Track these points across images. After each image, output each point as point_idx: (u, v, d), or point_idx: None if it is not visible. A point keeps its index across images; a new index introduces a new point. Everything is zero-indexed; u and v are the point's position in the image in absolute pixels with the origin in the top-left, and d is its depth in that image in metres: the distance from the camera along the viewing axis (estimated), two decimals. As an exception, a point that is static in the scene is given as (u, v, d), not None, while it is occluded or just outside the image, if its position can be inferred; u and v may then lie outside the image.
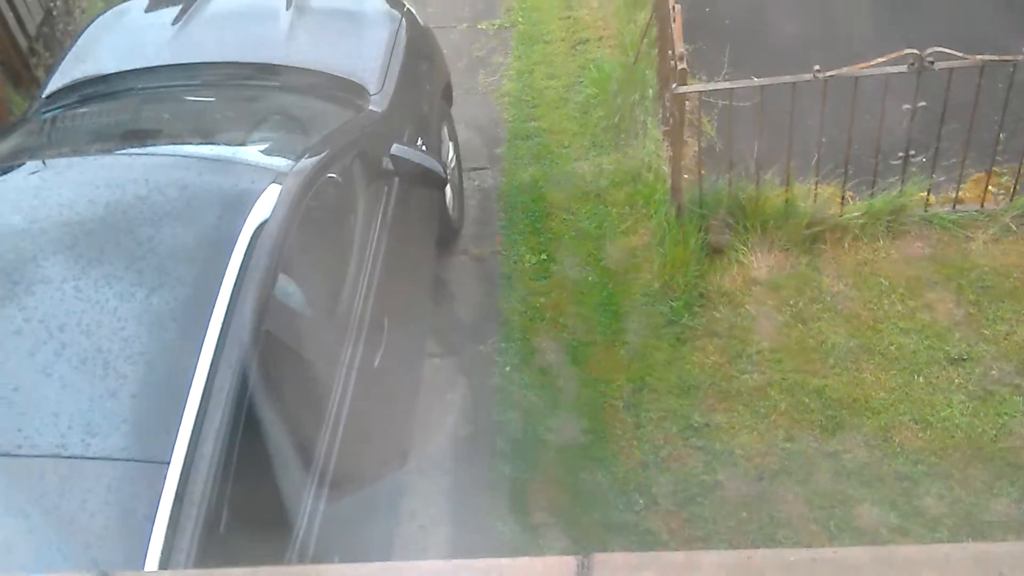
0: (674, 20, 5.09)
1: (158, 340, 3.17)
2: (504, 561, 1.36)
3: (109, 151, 4.15)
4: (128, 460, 2.94)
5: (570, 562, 1.33)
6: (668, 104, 5.38)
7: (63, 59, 5.07)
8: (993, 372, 4.69)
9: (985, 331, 4.86)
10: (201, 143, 4.31)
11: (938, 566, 1.32)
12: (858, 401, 4.62)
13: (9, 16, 6.22)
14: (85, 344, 3.11)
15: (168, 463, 2.90)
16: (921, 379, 4.69)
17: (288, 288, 3.56)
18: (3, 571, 2.72)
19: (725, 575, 1.31)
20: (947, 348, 4.80)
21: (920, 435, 4.46)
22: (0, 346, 3.11)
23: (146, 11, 5.31)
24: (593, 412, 4.69)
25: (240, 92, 4.75)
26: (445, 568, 1.43)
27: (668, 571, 1.33)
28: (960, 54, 4.68)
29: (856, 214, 5.30)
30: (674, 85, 4.85)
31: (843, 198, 5.30)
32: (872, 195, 5.32)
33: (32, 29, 6.52)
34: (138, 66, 4.79)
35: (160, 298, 3.25)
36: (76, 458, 2.90)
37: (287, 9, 5.10)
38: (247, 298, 3.28)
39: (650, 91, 6.10)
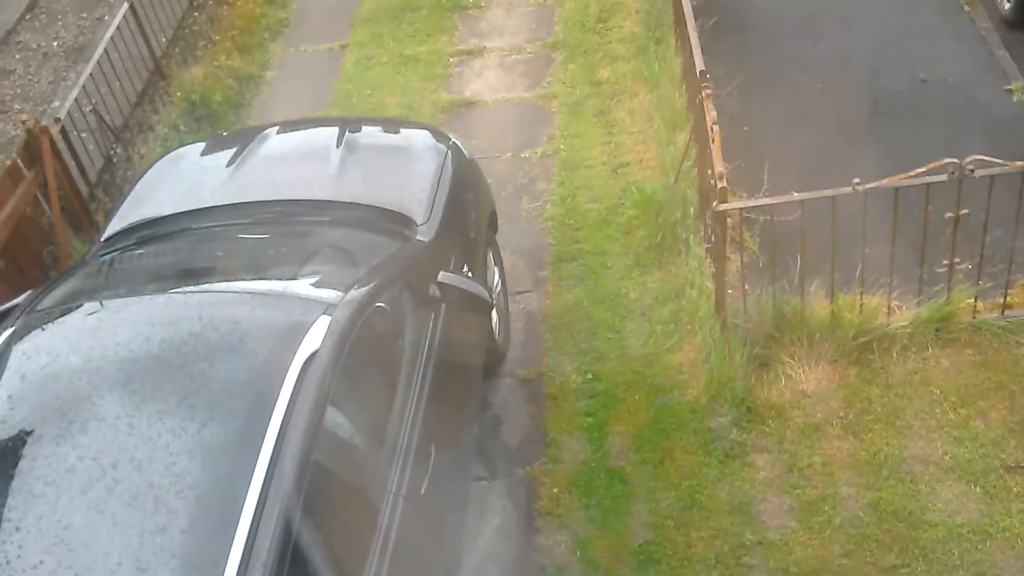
0: (713, 140, 5.21)
1: (208, 474, 3.24)
2: None
3: (164, 290, 4.30)
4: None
5: None
6: (710, 222, 5.46)
7: (122, 203, 5.32)
8: (1051, 479, 4.60)
9: (1041, 437, 4.77)
10: (253, 278, 4.46)
11: None
12: (914, 514, 4.53)
13: (71, 164, 6.54)
14: (137, 480, 3.19)
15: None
16: (978, 489, 4.60)
17: (337, 418, 3.63)
18: None
19: None
20: (1003, 456, 4.71)
21: (980, 546, 4.35)
22: (53, 484, 3.20)
23: (202, 154, 5.57)
24: (643, 532, 4.65)
25: (292, 228, 4.92)
26: None
27: None
28: (1000, 161, 4.72)
29: (903, 323, 5.29)
30: (715, 203, 4.94)
31: (889, 307, 5.30)
32: (919, 303, 5.31)
33: (93, 176, 6.85)
34: (194, 207, 5.00)
35: (211, 432, 3.34)
36: None
37: (337, 147, 5.32)
38: (297, 429, 3.34)
39: (691, 210, 6.20)
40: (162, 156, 5.78)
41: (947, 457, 4.75)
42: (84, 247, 5.94)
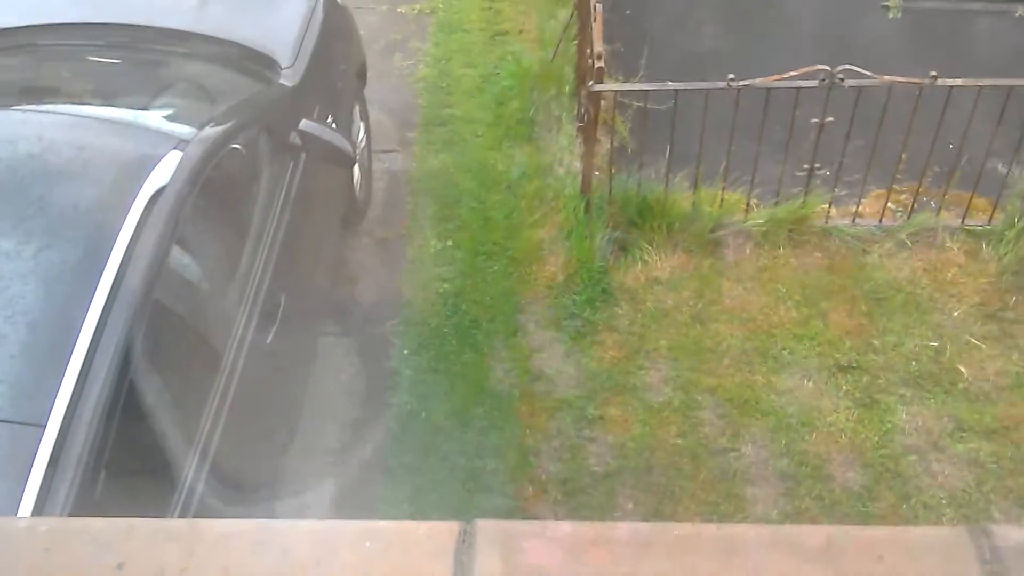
0: (595, 19, 5.11)
1: (42, 301, 3.06)
2: (385, 524, 1.34)
3: (3, 106, 3.99)
4: (2, 421, 2.84)
5: (452, 527, 1.31)
6: (584, 101, 5.41)
7: (-40, 9, 4.88)
8: (880, 381, 4.82)
9: (875, 341, 4.98)
10: (101, 104, 4.18)
11: (821, 548, 1.33)
12: (748, 401, 4.70)
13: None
14: (-36, 301, 2.99)
15: (44, 426, 2.81)
16: (810, 384, 4.80)
17: (182, 258, 3.48)
18: None
19: (610, 546, 1.31)
20: (837, 356, 4.91)
21: (806, 437, 4.56)
22: None
23: (52, -34, 5.14)
24: (488, 399, 4.69)
25: (146, 56, 4.62)
26: (324, 528, 1.39)
27: (555, 540, 1.32)
28: (869, 73, 4.79)
29: (759, 221, 5.40)
30: (591, 83, 4.88)
31: (748, 205, 5.40)
32: (776, 204, 5.42)
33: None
34: (40, 21, 4.63)
35: (48, 258, 3.14)
36: None
37: (202, -25, 4.99)
38: (139, 264, 3.18)
39: (567, 88, 6.12)
40: (7, -39, 5.31)
41: (785, 352, 4.92)
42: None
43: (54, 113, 3.94)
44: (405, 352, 4.90)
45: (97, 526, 1.37)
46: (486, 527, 1.32)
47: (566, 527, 1.35)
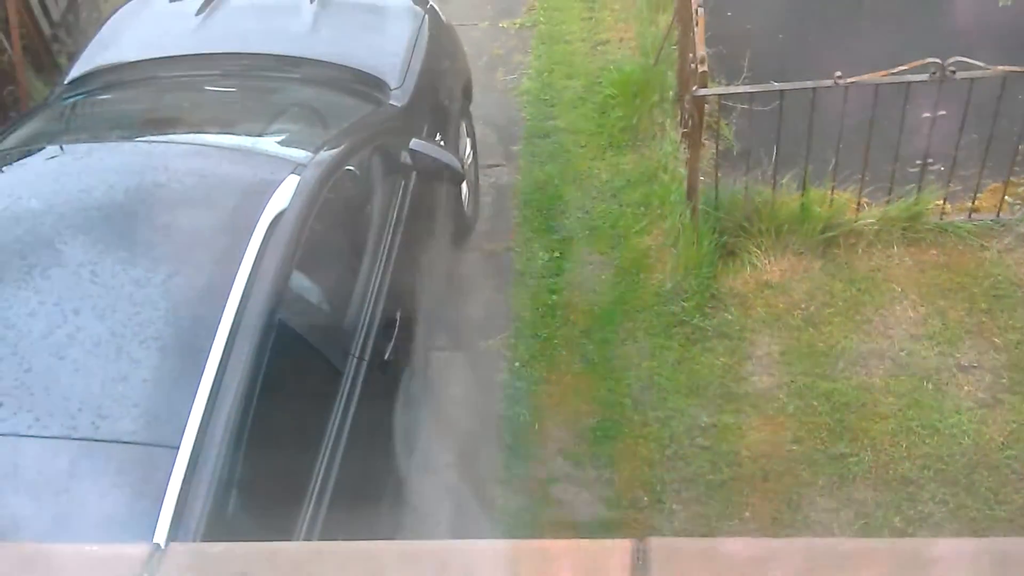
0: (696, 24, 5.10)
1: (172, 327, 3.21)
2: (559, 543, 1.35)
3: (129, 138, 4.19)
4: (137, 443, 2.98)
5: (625, 546, 1.31)
6: (687, 107, 5.39)
7: (86, 46, 5.13)
8: (1003, 380, 4.69)
9: (996, 340, 4.85)
10: (221, 133, 4.35)
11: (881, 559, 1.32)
12: (866, 405, 4.62)
13: (34, 2, 6.28)
14: (99, 327, 3.15)
15: (178, 448, 2.93)
16: (930, 386, 4.69)
17: (303, 280, 3.60)
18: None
19: (786, 563, 1.31)
20: (957, 355, 4.79)
21: (928, 440, 4.46)
22: (14, 327, 3.15)
23: (171, 0, 5.37)
24: (601, 410, 4.71)
25: (261, 83, 4.80)
26: (504, 547, 1.43)
27: (728, 558, 1.32)
28: (982, 64, 4.68)
29: (871, 220, 5.30)
30: (694, 88, 4.87)
31: (859, 204, 5.31)
32: (888, 202, 5.32)
33: (56, 16, 6.58)
34: (161, 55, 4.84)
35: (175, 285, 3.29)
36: (86, 440, 2.95)
37: (311, 3, 5.15)
38: (262, 288, 3.31)
39: (670, 94, 6.12)
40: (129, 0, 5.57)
41: (903, 353, 4.83)
42: (46, 89, 5.75)
43: (177, 143, 4.11)
44: (516, 364, 4.96)
45: (289, 550, 1.43)
46: (660, 544, 1.32)
47: (737, 545, 1.36)
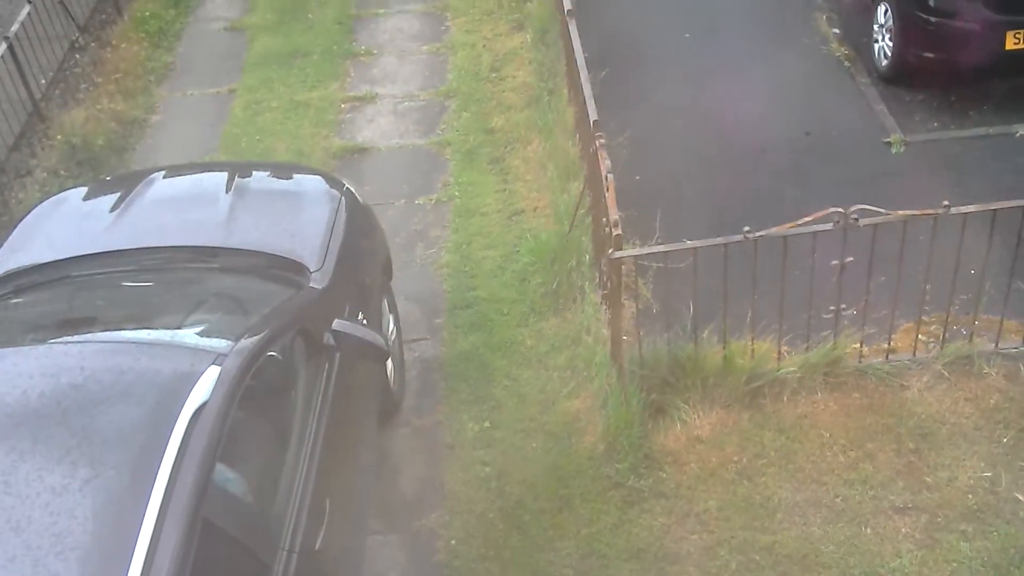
0: (607, 189, 5.27)
1: (91, 534, 3.08)
2: None
3: (42, 340, 4.10)
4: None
5: None
6: (604, 269, 5.51)
7: (-2, 250, 5.09)
8: (939, 519, 4.72)
9: (927, 478, 4.91)
10: (139, 327, 4.29)
11: None
12: (808, 556, 4.60)
13: (-57, 210, 6.26)
14: (14, 541, 3.01)
15: (99, 663, 2.78)
16: (869, 530, 4.70)
17: (227, 473, 3.50)
18: None
19: None
20: (892, 497, 4.83)
21: (872, 588, 4.44)
22: None
23: (84, 199, 5.37)
24: (542, 584, 4.61)
25: (179, 276, 4.77)
26: None
27: None
28: (883, 210, 4.88)
29: (792, 368, 5.40)
30: (610, 251, 4.99)
31: (779, 353, 5.41)
32: (807, 349, 5.43)
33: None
34: (74, 254, 4.81)
35: (94, 489, 3.18)
36: None
37: (227, 192, 5.20)
38: (184, 486, 3.21)
39: (586, 257, 6.26)
40: (41, 201, 5.56)
41: (838, 499, 4.84)
42: (-44, 296, 5.66)
43: (92, 342, 4.03)
44: (452, 543, 4.84)
45: None
46: None
47: None
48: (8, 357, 3.80)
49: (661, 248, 5.37)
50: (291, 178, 5.76)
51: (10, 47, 7.58)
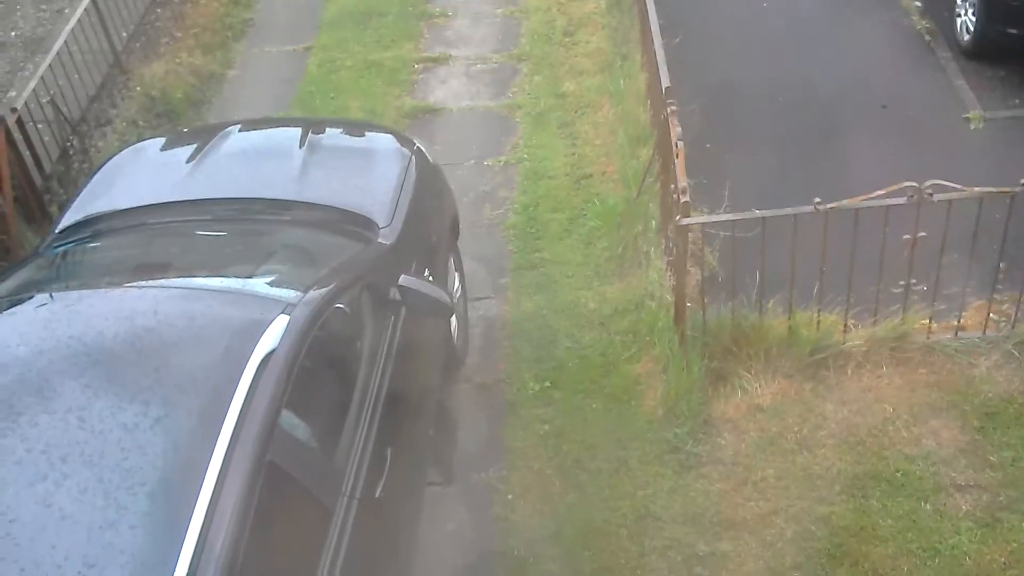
0: (677, 155, 5.24)
1: (160, 471, 3.18)
2: None
3: (119, 284, 4.22)
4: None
5: None
6: (671, 235, 5.49)
7: (78, 195, 5.22)
8: (1001, 499, 4.65)
9: (991, 457, 4.84)
10: (211, 275, 4.39)
11: None
12: (865, 529, 4.57)
13: (26, 154, 6.42)
14: (87, 475, 3.12)
15: (164, 597, 2.88)
16: (928, 506, 4.65)
17: (293, 419, 3.59)
18: None
19: None
20: (953, 475, 4.77)
21: (929, 563, 4.40)
22: (0, 477, 3.13)
23: (162, 149, 5.50)
24: (596, 540, 4.64)
25: (252, 227, 4.86)
26: None
27: None
28: (958, 186, 4.79)
29: (859, 341, 5.34)
30: (678, 217, 4.97)
31: (846, 326, 5.35)
32: (875, 323, 5.37)
33: (48, 167, 6.73)
34: (151, 202, 4.93)
35: (164, 429, 3.28)
36: None
37: (300, 147, 5.28)
38: (252, 429, 3.29)
39: (653, 223, 6.24)
40: (120, 150, 5.69)
41: (899, 474, 4.80)
42: (37, 239, 5.83)
43: (166, 287, 4.14)
44: (509, 497, 4.90)
45: None
46: None
47: None
48: (86, 299, 3.93)
49: (729, 216, 5.32)
50: (363, 136, 5.82)
51: (94, 1, 7.73)
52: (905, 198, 4.81)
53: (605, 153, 7.12)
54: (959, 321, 5.41)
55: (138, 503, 3.08)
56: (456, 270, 5.65)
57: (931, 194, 4.79)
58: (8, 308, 3.90)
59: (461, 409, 5.38)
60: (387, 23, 8.92)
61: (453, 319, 5.31)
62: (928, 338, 5.39)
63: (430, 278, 4.88)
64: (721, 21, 8.43)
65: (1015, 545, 4.46)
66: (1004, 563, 4.38)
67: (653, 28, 6.46)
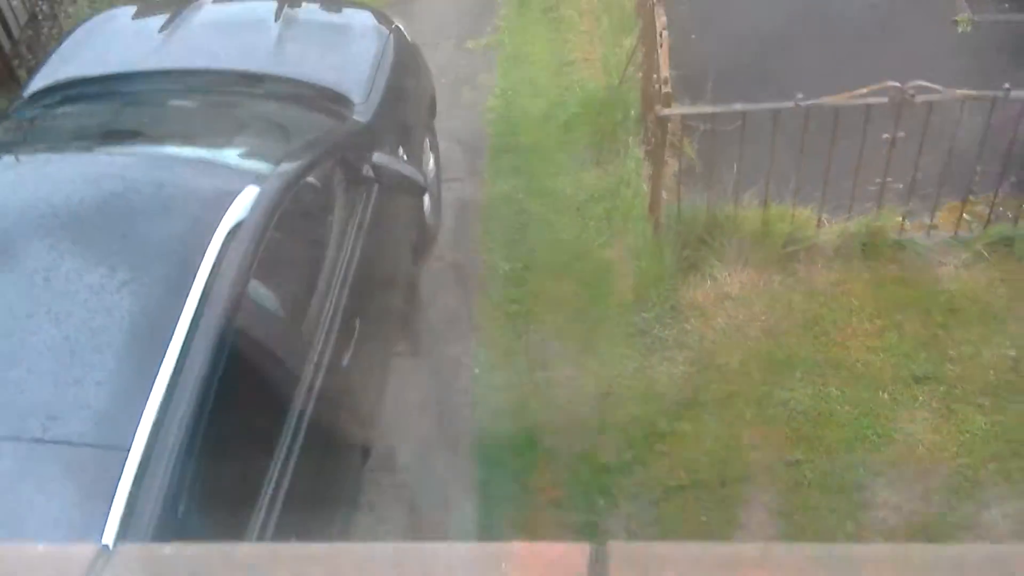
0: (661, 45, 5.18)
1: (126, 332, 3.21)
2: (516, 546, 1.33)
3: (87, 149, 4.20)
4: (87, 445, 2.98)
5: (583, 550, 1.30)
6: (651, 126, 5.46)
7: (46, 60, 5.15)
8: (957, 391, 4.75)
9: (951, 352, 4.91)
10: (181, 145, 4.36)
11: (953, 567, 1.31)
12: (823, 414, 4.67)
13: (-6, 18, 6.31)
14: (53, 332, 3.16)
15: (128, 450, 2.93)
16: (886, 396, 4.74)
17: (260, 288, 3.61)
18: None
19: (749, 567, 1.29)
20: (912, 367, 4.85)
21: (883, 448, 4.51)
22: None
23: (133, 18, 5.38)
24: (558, 416, 4.73)
25: (223, 99, 4.81)
26: (463, 550, 1.42)
27: (691, 563, 1.30)
28: (940, 88, 4.76)
29: (831, 236, 5.37)
30: (658, 107, 4.94)
31: (820, 220, 5.37)
32: (848, 219, 5.39)
33: (16, 32, 6.59)
34: (122, 70, 4.86)
35: (131, 291, 3.29)
36: (34, 441, 2.95)
37: (276, 20, 5.19)
38: (219, 295, 3.31)
39: (633, 112, 6.19)
40: (92, 16, 5.58)
41: (859, 364, 4.88)
42: (5, 102, 5.75)
43: (135, 154, 4.12)
44: (476, 371, 4.97)
45: (242, 552, 1.41)
46: (619, 549, 1.31)
47: (697, 549, 1.34)
48: (54, 162, 3.92)
49: (709, 109, 5.29)
50: (340, 12, 5.71)
51: None
52: (887, 98, 4.78)
53: (589, 40, 7.02)
54: (932, 220, 5.43)
55: (105, 362, 3.12)
56: (432, 151, 5.62)
57: (913, 95, 4.76)
58: (-26, 169, 3.88)
59: (432, 286, 5.41)
60: None
61: (426, 198, 5.30)
62: (900, 235, 5.42)
63: (404, 157, 4.87)
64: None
65: (967, 436, 4.57)
66: (956, 452, 4.50)
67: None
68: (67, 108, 4.65)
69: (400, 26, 5.57)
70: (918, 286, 5.24)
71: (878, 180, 5.16)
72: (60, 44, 5.29)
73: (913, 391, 4.75)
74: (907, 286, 5.24)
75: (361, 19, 5.56)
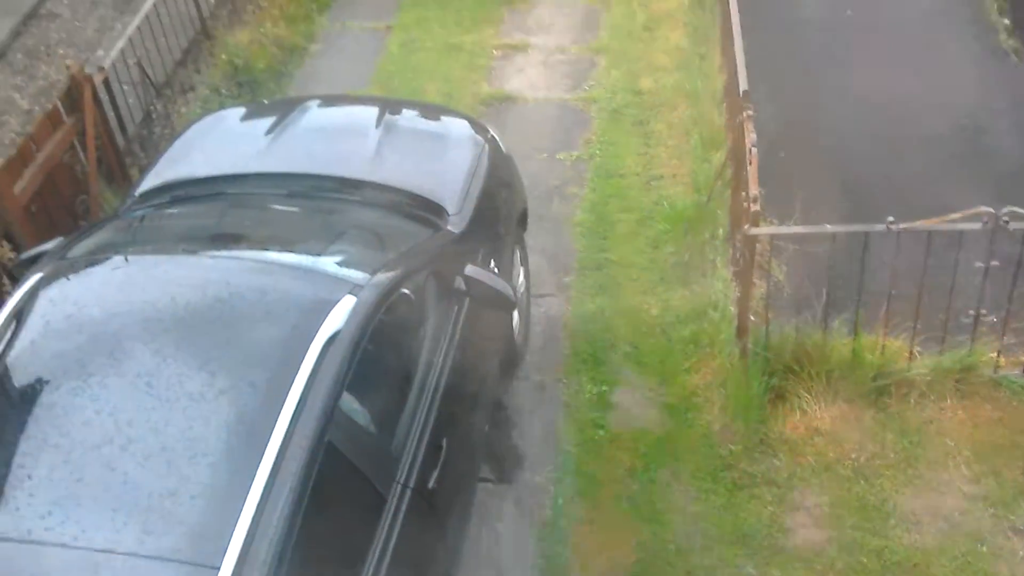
0: (750, 162, 5.16)
1: (222, 443, 3.22)
2: None
3: (193, 251, 4.26)
4: (179, 562, 2.96)
5: None
6: (739, 245, 5.42)
7: (158, 160, 5.29)
8: (1061, 546, 4.56)
9: (1053, 503, 4.73)
10: (283, 250, 4.41)
11: None
12: (919, 566, 4.49)
13: (110, 114, 6.49)
14: (152, 441, 3.17)
15: (219, 568, 2.91)
16: (985, 548, 4.55)
17: (352, 402, 3.60)
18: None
19: None
20: (1012, 517, 4.67)
21: (981, 607, 4.33)
22: (68, 436, 3.18)
23: (242, 119, 5.53)
24: (644, 554, 4.61)
25: (324, 204, 4.88)
26: None
27: None
28: (1035, 214, 4.67)
29: (924, 370, 5.24)
30: (747, 226, 4.90)
31: (911, 352, 5.25)
32: (941, 352, 5.26)
33: (131, 129, 6.80)
34: (229, 172, 4.97)
35: (229, 400, 3.32)
36: (129, 555, 2.94)
37: (376, 127, 5.28)
38: (313, 407, 3.32)
39: (721, 231, 6.16)
40: (202, 116, 5.74)
41: (956, 513, 4.70)
42: (116, 199, 5.91)
43: (239, 259, 4.17)
44: (560, 501, 4.88)
45: None
46: None
47: None
48: (161, 264, 3.98)
49: (799, 229, 5.23)
50: (438, 120, 5.81)
51: (183, -35, 7.79)
52: (980, 224, 4.69)
53: (678, 155, 7.05)
54: (1028, 357, 5.29)
55: (199, 474, 3.13)
56: (522, 264, 5.62)
57: (1007, 221, 4.67)
58: (86, 268, 3.95)
59: (518, 406, 5.35)
60: (468, 5, 8.89)
61: (515, 314, 5.29)
62: (995, 372, 5.27)
63: (495, 270, 4.87)
64: (804, 26, 8.29)
65: (1070, 596, 4.37)
66: (1058, 614, 4.29)
67: (735, 29, 6.35)
68: (175, 209, 4.75)
69: (496, 136, 5.63)
70: (1016, 428, 5.07)
71: (971, 311, 5.04)
72: (171, 144, 5.44)
73: (1014, 544, 4.56)
74: (1005, 428, 5.08)
75: (458, 127, 5.64)
